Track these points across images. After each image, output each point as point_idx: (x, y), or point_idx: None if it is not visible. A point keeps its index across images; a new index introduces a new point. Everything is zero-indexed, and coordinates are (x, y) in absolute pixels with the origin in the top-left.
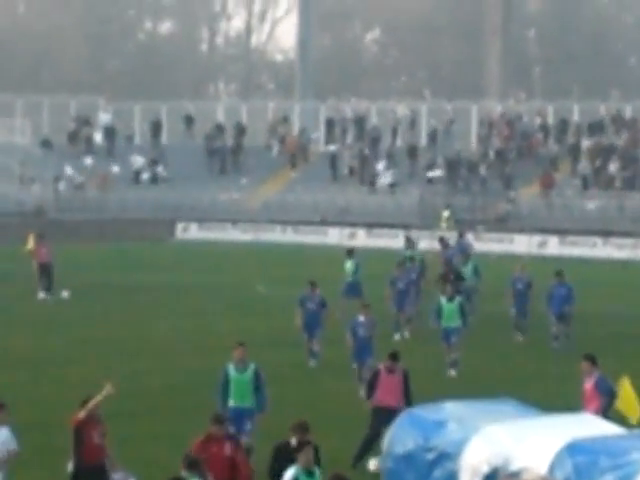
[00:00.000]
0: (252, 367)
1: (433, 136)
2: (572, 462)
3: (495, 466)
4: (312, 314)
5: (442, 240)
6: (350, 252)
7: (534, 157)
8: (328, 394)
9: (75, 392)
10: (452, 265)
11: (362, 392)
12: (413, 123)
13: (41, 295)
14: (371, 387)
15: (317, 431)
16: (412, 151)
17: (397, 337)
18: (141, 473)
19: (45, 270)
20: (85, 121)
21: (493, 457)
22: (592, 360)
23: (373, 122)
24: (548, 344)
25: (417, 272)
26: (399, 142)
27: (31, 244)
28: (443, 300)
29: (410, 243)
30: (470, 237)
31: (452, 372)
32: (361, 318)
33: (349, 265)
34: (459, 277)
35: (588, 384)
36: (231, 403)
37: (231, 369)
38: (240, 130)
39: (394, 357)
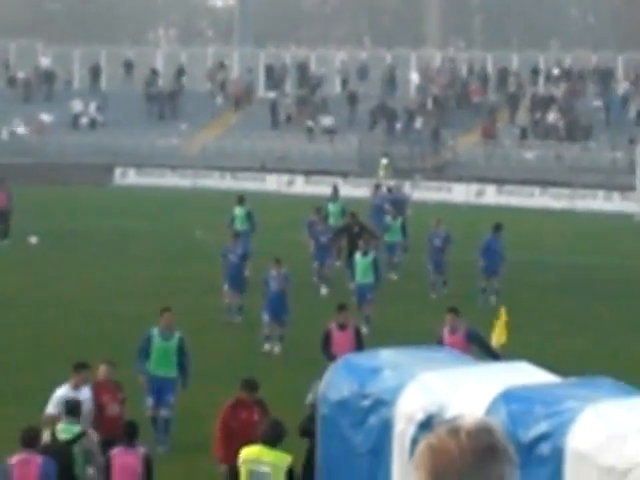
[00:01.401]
0: (178, 335)
1: (372, 84)
2: (507, 409)
3: (430, 413)
4: (234, 266)
5: (376, 186)
6: (241, 199)
7: (473, 106)
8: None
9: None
10: (357, 218)
11: (267, 347)
12: (353, 71)
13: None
14: (325, 347)
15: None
16: (352, 98)
17: (323, 291)
18: None
19: (1, 216)
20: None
21: (428, 404)
22: (457, 312)
23: (313, 69)
24: (470, 298)
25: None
26: (338, 89)
27: None
28: (357, 255)
29: (335, 196)
30: (407, 189)
31: (364, 329)
32: (273, 272)
33: (239, 212)
34: (368, 231)
35: (457, 336)
36: (152, 371)
37: (155, 335)
38: (179, 75)
39: (343, 308)
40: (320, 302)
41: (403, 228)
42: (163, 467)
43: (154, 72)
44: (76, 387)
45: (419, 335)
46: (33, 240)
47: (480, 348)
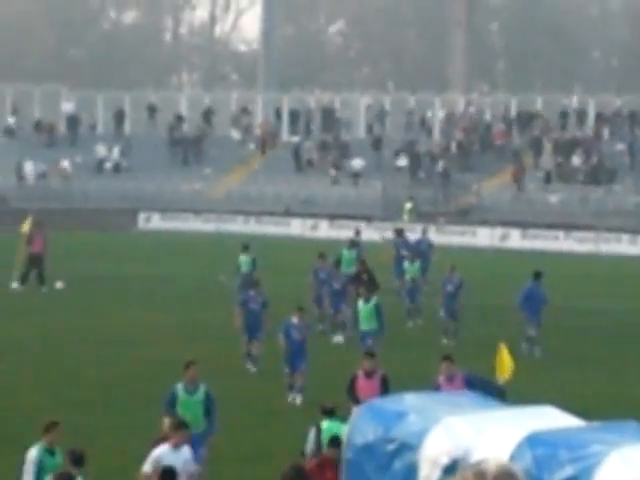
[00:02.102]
0: (203, 388)
1: (397, 128)
2: (532, 454)
3: (455, 458)
4: (254, 314)
5: (397, 230)
6: (246, 247)
7: (496, 150)
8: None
9: (31, 377)
10: (366, 265)
11: (290, 398)
12: (377, 115)
13: (14, 285)
14: (350, 393)
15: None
16: (377, 142)
17: (338, 339)
18: (101, 462)
19: (35, 261)
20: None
21: (453, 449)
22: (452, 360)
23: (337, 113)
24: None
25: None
26: (362, 134)
27: (26, 228)
28: (360, 302)
29: (354, 243)
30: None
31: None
32: (294, 320)
33: (244, 259)
34: (372, 279)
35: (455, 384)
36: None
37: (180, 390)
38: (204, 120)
39: (372, 356)
40: (331, 350)
41: (423, 271)
42: None
43: (178, 117)
44: (176, 446)
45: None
46: (59, 285)
47: (483, 390)
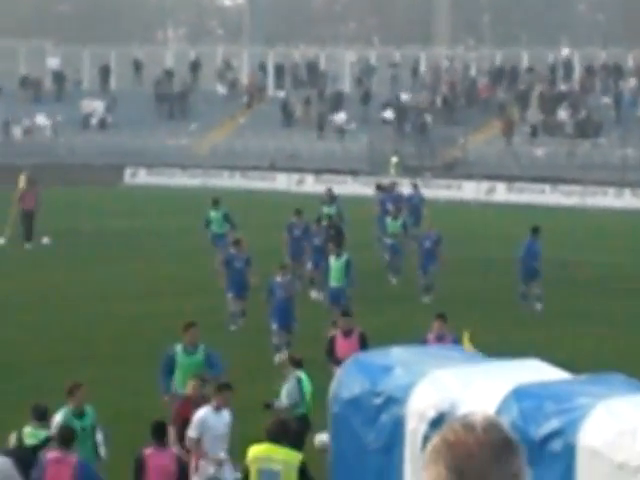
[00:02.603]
0: (202, 348)
1: (382, 83)
2: (518, 407)
3: (442, 411)
4: (238, 273)
5: (380, 186)
6: (216, 202)
7: (482, 104)
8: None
9: (16, 332)
10: (334, 221)
11: (277, 357)
12: (363, 70)
13: (1, 241)
14: (330, 354)
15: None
16: (364, 97)
17: (315, 295)
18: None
19: (26, 218)
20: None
21: (440, 402)
22: (445, 318)
23: (322, 68)
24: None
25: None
26: (348, 88)
27: (21, 185)
28: (332, 258)
29: (331, 198)
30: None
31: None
32: (278, 279)
33: (214, 215)
34: (340, 233)
35: (445, 344)
36: (178, 389)
37: (179, 351)
38: (190, 75)
39: (348, 315)
40: (310, 305)
41: (404, 228)
42: None
43: (164, 72)
44: (218, 409)
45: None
46: (45, 241)
47: None
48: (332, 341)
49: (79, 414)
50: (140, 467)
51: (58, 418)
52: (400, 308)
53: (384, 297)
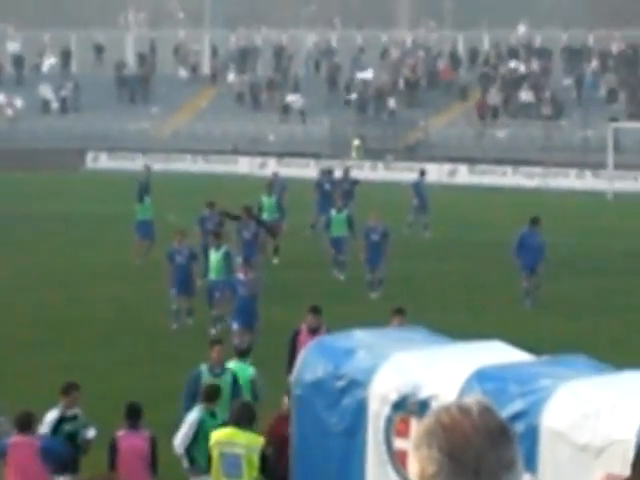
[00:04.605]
0: (231, 371)
1: (344, 65)
2: (481, 388)
3: (404, 394)
4: (180, 268)
5: (325, 170)
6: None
7: (444, 86)
8: None
9: None
10: (251, 212)
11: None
12: (324, 52)
13: None
14: (292, 349)
15: None
16: (328, 79)
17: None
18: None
19: None
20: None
21: (402, 385)
22: (404, 313)
23: (284, 51)
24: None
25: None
26: (309, 71)
27: None
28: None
29: (271, 188)
30: (378, 170)
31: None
32: (240, 276)
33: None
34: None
35: None
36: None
37: (205, 373)
38: (150, 59)
39: (317, 311)
40: None
41: (349, 221)
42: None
43: (125, 56)
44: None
45: None
46: None
47: None
48: (296, 335)
49: (71, 417)
50: (112, 449)
51: (50, 417)
52: (349, 305)
53: (333, 293)
